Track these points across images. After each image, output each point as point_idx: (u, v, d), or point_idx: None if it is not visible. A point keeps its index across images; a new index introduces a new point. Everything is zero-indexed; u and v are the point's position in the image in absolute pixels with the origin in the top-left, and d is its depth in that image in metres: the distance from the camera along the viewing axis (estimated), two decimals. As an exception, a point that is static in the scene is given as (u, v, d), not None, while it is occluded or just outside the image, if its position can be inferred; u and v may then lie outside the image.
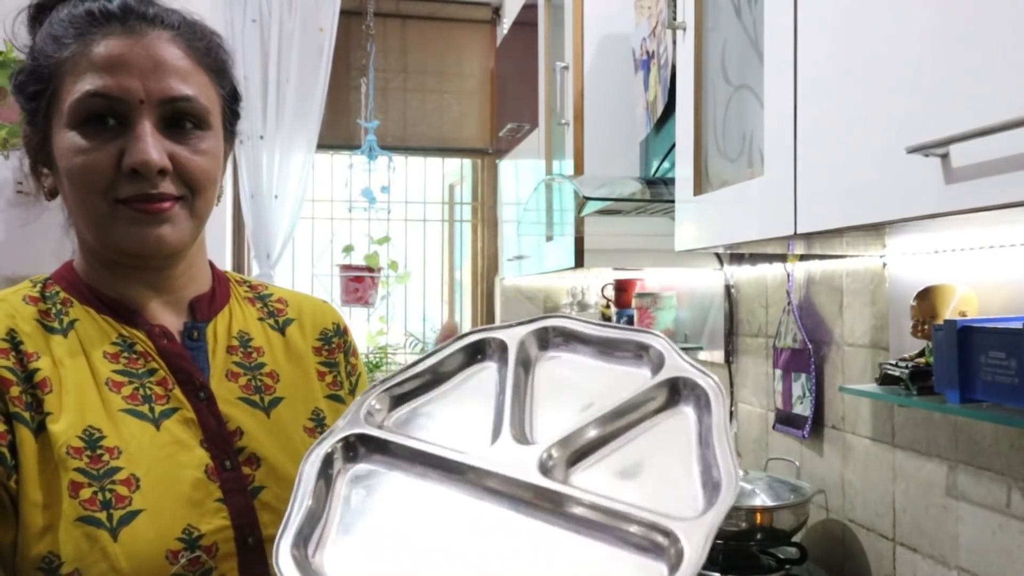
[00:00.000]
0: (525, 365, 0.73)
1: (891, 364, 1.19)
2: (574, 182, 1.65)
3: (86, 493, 0.70)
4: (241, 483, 0.76)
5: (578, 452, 0.65)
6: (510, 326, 0.76)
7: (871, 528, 1.37)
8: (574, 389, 0.71)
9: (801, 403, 1.55)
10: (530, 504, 0.61)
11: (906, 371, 1.14)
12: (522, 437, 0.66)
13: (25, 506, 0.69)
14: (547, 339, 0.76)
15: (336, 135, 3.24)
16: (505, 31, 3.09)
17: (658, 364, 0.69)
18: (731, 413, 1.85)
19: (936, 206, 0.73)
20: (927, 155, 0.72)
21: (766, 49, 1.04)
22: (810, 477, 1.53)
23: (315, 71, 2.93)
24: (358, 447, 0.68)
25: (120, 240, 0.75)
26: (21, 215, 2.89)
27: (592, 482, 0.62)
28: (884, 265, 1.34)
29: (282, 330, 0.90)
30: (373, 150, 3.08)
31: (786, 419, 1.60)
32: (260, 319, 0.89)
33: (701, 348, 1.98)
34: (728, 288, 1.86)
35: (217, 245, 2.94)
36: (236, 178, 2.96)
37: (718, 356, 1.90)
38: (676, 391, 0.67)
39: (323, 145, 3.07)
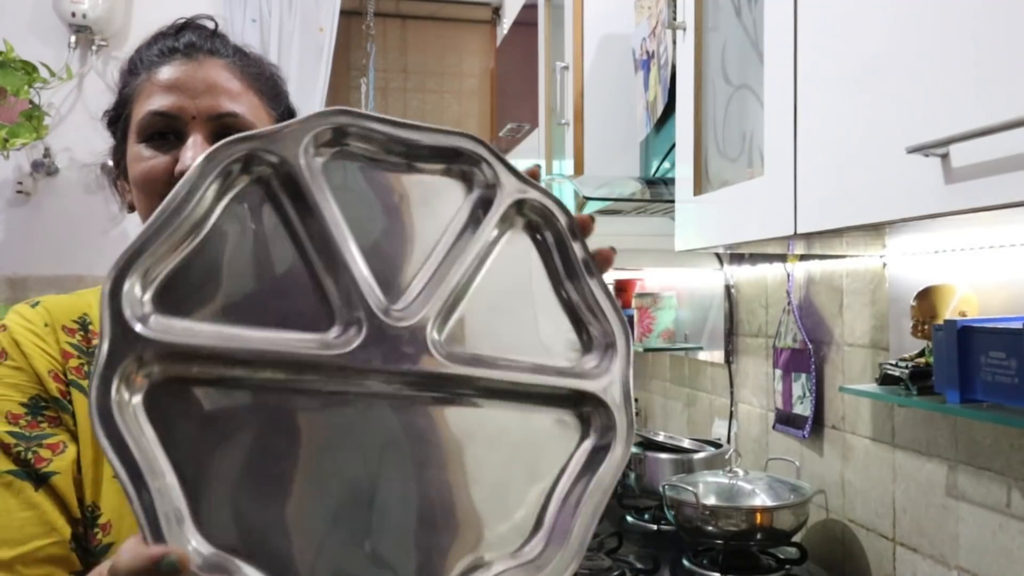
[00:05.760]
0: (305, 194, 0.57)
1: (891, 364, 1.19)
2: (574, 182, 1.65)
3: None
4: None
5: (445, 314, 0.57)
6: (271, 133, 0.56)
7: (871, 528, 1.37)
8: (389, 224, 0.59)
9: (801, 403, 1.55)
10: (416, 395, 0.55)
11: (906, 371, 1.14)
12: (385, 314, 0.55)
13: (81, 459, 0.78)
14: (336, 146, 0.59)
15: (336, 135, 3.24)
16: (505, 31, 3.08)
17: (490, 184, 0.60)
18: (731, 413, 1.85)
19: (936, 206, 0.73)
20: (927, 155, 0.72)
21: (766, 49, 1.04)
22: (810, 477, 1.53)
23: (315, 71, 2.94)
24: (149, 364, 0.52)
25: None
26: (21, 215, 2.91)
27: (472, 346, 0.57)
28: (884, 265, 1.34)
29: None
30: (373, 150, 3.07)
31: (786, 419, 1.60)
32: None
33: (701, 348, 1.98)
34: (728, 288, 1.86)
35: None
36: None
37: (718, 356, 1.90)
38: (527, 221, 0.61)
39: (323, 145, 3.07)
